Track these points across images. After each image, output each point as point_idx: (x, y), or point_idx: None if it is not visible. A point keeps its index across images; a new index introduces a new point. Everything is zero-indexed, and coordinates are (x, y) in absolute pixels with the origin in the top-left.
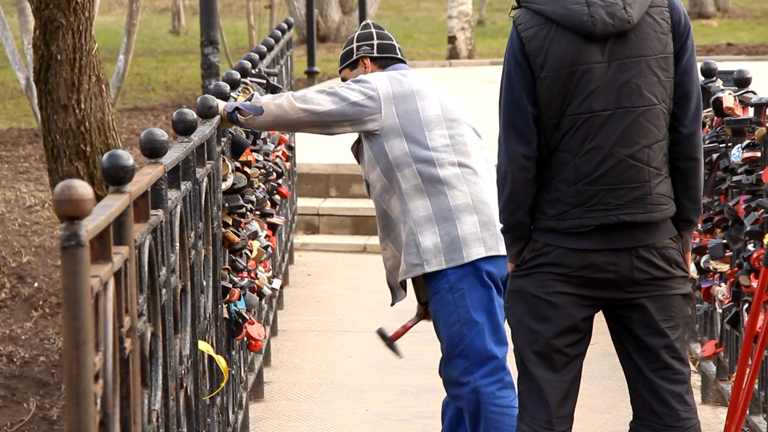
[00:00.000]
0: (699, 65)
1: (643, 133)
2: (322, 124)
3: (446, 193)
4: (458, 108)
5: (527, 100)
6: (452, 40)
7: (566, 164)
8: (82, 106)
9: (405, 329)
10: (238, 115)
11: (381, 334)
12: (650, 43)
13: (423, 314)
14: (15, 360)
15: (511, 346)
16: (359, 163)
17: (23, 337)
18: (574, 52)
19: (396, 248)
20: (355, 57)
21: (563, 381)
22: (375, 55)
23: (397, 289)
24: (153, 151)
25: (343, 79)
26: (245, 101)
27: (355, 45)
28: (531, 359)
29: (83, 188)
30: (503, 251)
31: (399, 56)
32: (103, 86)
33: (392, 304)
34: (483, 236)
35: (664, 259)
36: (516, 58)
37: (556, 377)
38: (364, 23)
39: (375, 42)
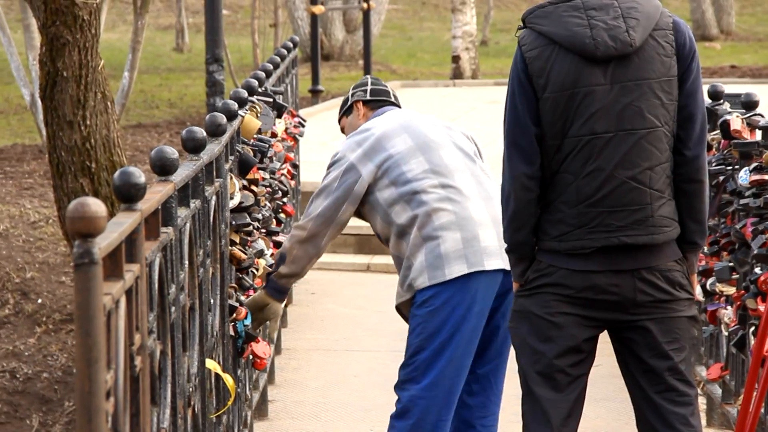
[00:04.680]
0: (705, 88)
1: (645, 155)
2: (329, 220)
3: (431, 215)
4: (434, 130)
5: (530, 121)
6: (456, 59)
7: (568, 185)
8: (88, 122)
9: None
10: (273, 278)
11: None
12: (653, 66)
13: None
14: (18, 376)
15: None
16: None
17: (26, 354)
18: (575, 74)
19: None
20: (349, 103)
21: (566, 401)
22: (367, 98)
23: None
24: (163, 168)
25: (342, 129)
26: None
27: (350, 93)
28: (534, 379)
29: (97, 206)
30: (491, 266)
31: (391, 100)
32: (109, 103)
33: None
34: (466, 253)
35: (668, 281)
36: (519, 79)
37: (559, 397)
38: (363, 77)
39: (368, 87)
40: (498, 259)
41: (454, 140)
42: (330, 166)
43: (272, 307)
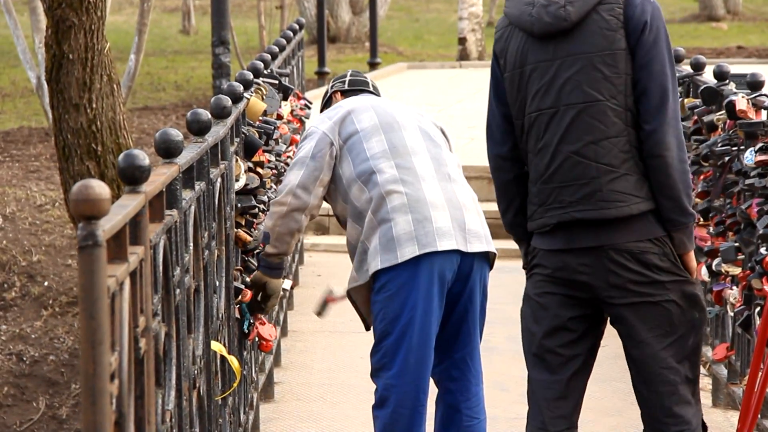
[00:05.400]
0: (710, 68)
1: (587, 129)
2: (307, 191)
3: (384, 198)
4: (401, 113)
5: (498, 102)
6: (462, 41)
7: (530, 164)
8: (94, 105)
9: (338, 300)
10: (262, 257)
11: (327, 293)
12: (594, 40)
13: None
14: (25, 359)
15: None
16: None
17: (33, 336)
18: (524, 52)
19: None
20: (328, 94)
21: (558, 381)
22: (345, 88)
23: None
24: (168, 151)
25: None
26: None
27: (329, 85)
28: (529, 361)
29: (101, 188)
30: (444, 246)
31: (370, 90)
32: (115, 86)
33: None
34: (417, 234)
35: (640, 263)
36: (492, 61)
37: (550, 378)
38: (345, 70)
39: (347, 79)
40: (452, 240)
41: (422, 125)
42: (303, 139)
43: (270, 284)
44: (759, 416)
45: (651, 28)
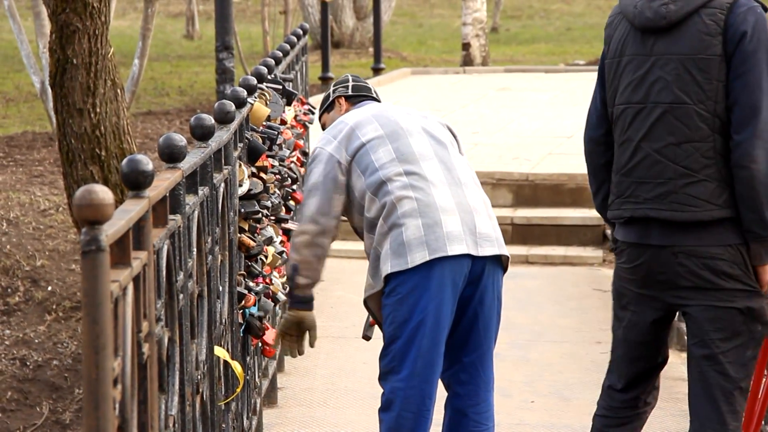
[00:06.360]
0: None
1: (671, 130)
2: (327, 216)
3: (395, 204)
4: (406, 119)
5: (600, 85)
6: (466, 47)
7: (615, 154)
8: (98, 110)
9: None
10: (295, 293)
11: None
12: (690, 43)
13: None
14: (28, 363)
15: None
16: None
17: (36, 341)
18: (625, 43)
19: None
20: (331, 99)
21: (640, 345)
22: (349, 93)
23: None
24: (171, 156)
25: (323, 126)
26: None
27: (331, 89)
28: (616, 322)
29: (104, 193)
30: (454, 251)
31: (373, 96)
32: (119, 90)
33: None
34: (427, 239)
35: (710, 269)
36: (604, 44)
37: (633, 341)
38: (344, 75)
39: (350, 84)
40: (462, 245)
41: (427, 128)
42: (310, 163)
43: (307, 317)
44: (762, 423)
45: (751, 38)
